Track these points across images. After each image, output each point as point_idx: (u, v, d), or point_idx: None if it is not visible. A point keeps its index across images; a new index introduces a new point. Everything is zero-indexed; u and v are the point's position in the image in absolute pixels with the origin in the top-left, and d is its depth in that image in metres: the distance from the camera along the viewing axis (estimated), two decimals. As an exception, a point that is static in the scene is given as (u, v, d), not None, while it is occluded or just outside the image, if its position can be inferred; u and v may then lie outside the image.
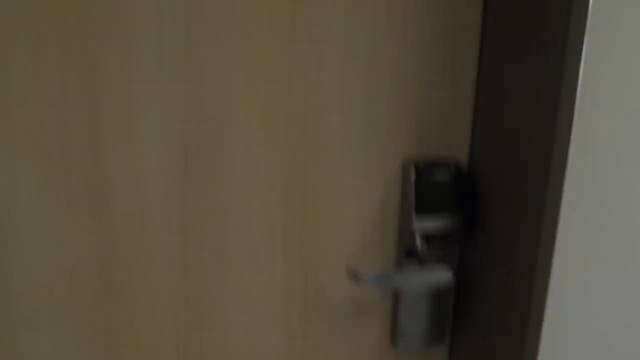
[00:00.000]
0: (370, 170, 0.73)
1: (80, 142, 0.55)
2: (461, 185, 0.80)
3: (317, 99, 0.64)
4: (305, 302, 0.69)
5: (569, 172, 0.59)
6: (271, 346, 0.68)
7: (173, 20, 0.55)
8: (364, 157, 0.72)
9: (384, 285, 0.73)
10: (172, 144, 0.58)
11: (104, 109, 0.55)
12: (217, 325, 0.65)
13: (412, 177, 0.76)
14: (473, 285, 0.78)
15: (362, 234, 0.75)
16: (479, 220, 0.78)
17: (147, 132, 0.56)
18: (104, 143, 0.56)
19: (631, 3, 0.55)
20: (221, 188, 0.61)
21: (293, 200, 0.66)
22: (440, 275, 0.76)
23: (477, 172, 0.78)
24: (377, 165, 0.74)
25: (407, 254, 0.81)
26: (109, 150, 0.56)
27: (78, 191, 0.56)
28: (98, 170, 0.57)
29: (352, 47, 0.64)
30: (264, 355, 0.68)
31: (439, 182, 0.77)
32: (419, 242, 0.78)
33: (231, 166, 0.61)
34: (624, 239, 0.64)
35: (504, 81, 0.68)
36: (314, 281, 0.69)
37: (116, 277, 0.60)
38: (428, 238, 0.80)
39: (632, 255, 0.63)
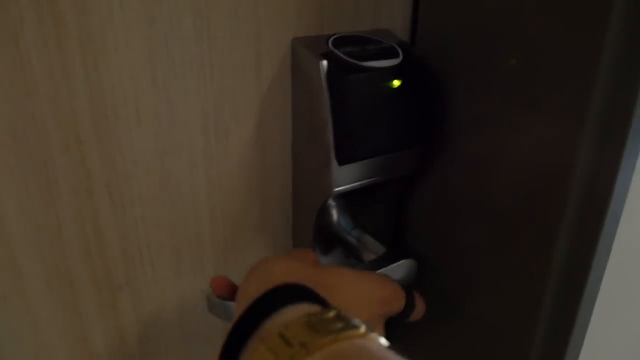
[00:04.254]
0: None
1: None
2: (416, 85, 0.47)
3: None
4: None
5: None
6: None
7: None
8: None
9: None
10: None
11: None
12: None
13: (323, 77, 0.44)
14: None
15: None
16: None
17: None
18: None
19: None
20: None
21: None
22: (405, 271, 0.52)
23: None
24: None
25: (324, 240, 0.54)
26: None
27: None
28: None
29: None
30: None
31: (378, 83, 0.45)
32: (336, 215, 0.52)
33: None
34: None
35: None
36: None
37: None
38: (362, 200, 0.54)
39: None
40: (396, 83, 0.49)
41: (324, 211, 0.56)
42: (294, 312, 0.31)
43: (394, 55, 0.50)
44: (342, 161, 0.49)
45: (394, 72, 0.49)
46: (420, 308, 0.50)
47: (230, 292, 0.47)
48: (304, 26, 0.50)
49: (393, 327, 0.46)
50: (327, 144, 0.49)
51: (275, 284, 0.34)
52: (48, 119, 0.42)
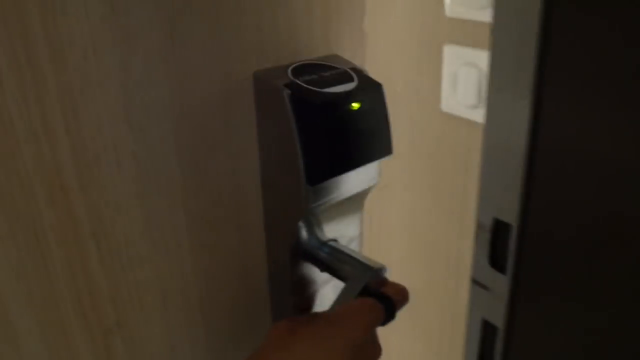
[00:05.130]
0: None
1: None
2: (373, 104, 0.54)
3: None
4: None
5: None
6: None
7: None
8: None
9: None
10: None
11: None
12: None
13: (288, 105, 0.50)
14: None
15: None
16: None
17: None
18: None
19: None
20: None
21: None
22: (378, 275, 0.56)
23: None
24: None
25: (299, 257, 0.59)
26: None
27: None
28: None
29: None
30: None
31: (339, 106, 0.51)
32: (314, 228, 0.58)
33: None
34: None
35: None
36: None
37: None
38: (329, 214, 0.59)
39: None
40: (355, 105, 0.53)
41: (297, 231, 0.59)
42: None
43: (349, 79, 0.54)
44: (312, 181, 0.53)
45: (352, 95, 0.53)
46: (401, 300, 0.54)
47: None
48: (264, 58, 0.53)
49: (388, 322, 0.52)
50: (297, 167, 0.52)
51: None
52: (32, 174, 0.42)
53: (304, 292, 0.62)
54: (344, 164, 0.54)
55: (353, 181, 0.57)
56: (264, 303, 0.63)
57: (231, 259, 0.58)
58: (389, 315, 0.53)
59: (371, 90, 0.55)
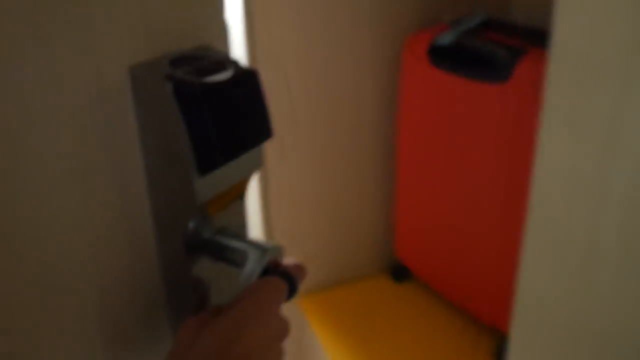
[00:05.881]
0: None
1: None
2: (251, 90, 0.56)
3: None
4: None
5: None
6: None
7: None
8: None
9: None
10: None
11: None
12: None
13: (172, 98, 0.50)
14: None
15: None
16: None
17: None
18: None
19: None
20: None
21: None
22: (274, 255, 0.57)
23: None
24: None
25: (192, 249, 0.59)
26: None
27: None
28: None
29: None
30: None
31: (221, 94, 0.52)
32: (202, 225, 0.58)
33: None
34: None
35: None
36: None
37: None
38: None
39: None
40: (235, 92, 0.54)
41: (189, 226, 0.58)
42: None
43: (225, 68, 0.55)
44: (204, 170, 0.53)
45: (232, 82, 0.54)
46: (301, 275, 0.57)
47: None
48: (139, 51, 0.52)
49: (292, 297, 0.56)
50: (187, 159, 0.52)
51: None
52: None
53: (201, 288, 0.61)
54: (232, 149, 0.55)
55: (240, 167, 0.58)
56: (159, 307, 0.61)
57: (123, 264, 0.55)
58: (291, 290, 0.56)
59: (248, 77, 0.56)
